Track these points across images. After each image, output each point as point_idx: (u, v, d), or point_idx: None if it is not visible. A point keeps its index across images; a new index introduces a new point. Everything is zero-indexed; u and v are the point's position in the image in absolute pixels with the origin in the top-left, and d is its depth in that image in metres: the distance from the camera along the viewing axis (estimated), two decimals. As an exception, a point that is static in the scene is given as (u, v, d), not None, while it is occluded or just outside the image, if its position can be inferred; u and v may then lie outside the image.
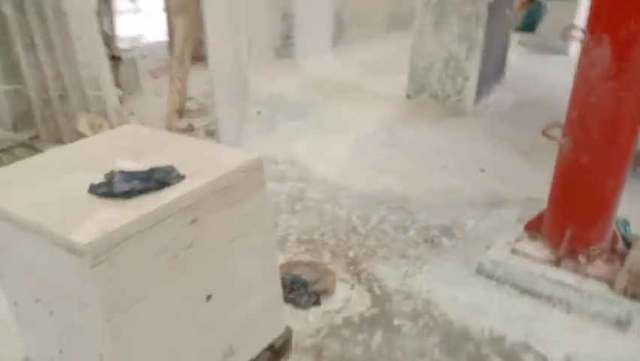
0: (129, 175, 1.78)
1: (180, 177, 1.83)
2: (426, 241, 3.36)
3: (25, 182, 1.89)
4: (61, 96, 4.68)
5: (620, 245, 2.80)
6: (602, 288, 2.65)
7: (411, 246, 3.31)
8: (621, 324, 2.55)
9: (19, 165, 2.05)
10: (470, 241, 3.35)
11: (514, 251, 2.94)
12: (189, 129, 5.05)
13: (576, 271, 2.74)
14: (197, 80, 5.71)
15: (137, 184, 1.74)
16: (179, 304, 1.83)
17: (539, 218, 3.05)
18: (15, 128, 4.93)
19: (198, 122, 5.21)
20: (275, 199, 3.80)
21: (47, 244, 1.60)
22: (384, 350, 2.45)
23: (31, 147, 4.71)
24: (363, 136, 4.92)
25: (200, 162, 1.97)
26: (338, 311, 2.70)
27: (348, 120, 5.24)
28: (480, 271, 2.95)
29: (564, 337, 2.54)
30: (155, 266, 1.71)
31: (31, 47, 4.54)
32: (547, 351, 2.45)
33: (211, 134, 4.96)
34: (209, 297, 1.93)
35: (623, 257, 2.75)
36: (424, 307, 2.74)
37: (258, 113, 5.37)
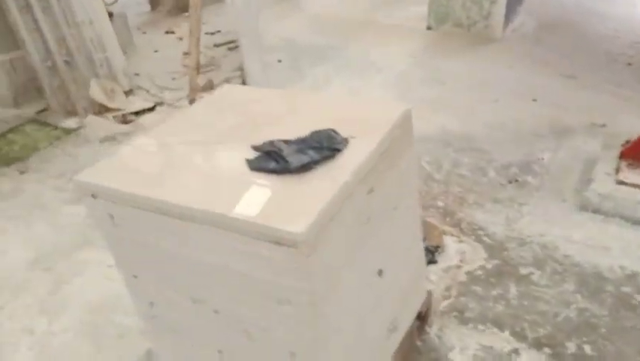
0: (300, 145, 1.49)
1: (346, 142, 1.55)
2: (510, 181, 3.18)
3: (162, 168, 1.58)
4: (67, 62, 4.18)
5: None
6: None
7: (497, 188, 3.13)
8: None
9: (130, 151, 1.72)
10: (556, 176, 3.19)
11: (619, 182, 2.80)
12: (209, 86, 4.63)
13: (694, 197, 2.63)
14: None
15: (313, 155, 1.46)
16: (358, 285, 1.60)
17: (636, 145, 2.90)
18: (16, 103, 4.42)
19: (216, 77, 4.79)
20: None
21: (235, 237, 1.33)
22: (525, 303, 2.31)
23: (42, 122, 4.24)
24: (398, 74, 4.63)
25: (348, 121, 1.67)
26: (458, 267, 2.53)
27: (375, 59, 4.92)
28: (585, 207, 2.81)
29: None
30: (346, 247, 1.47)
31: (26, 9, 3.99)
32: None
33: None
34: (380, 272, 1.70)
35: None
36: (543, 251, 2.59)
37: (279, 61, 4.99)
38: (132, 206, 1.49)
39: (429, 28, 5.41)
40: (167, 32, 6.23)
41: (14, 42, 4.21)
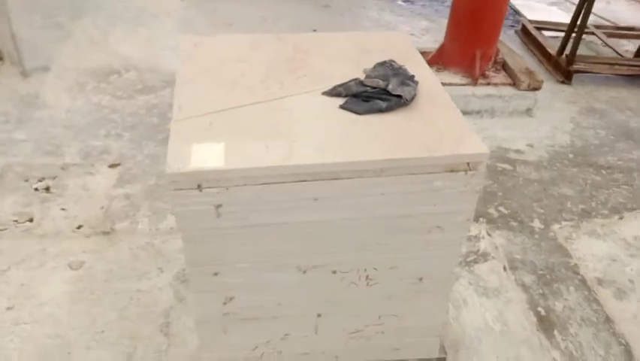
0: (390, 78, 1.47)
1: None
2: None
3: (259, 133, 1.33)
4: None
5: (500, 55, 3.63)
6: (511, 90, 3.47)
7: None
8: (530, 112, 3.47)
9: (204, 125, 1.37)
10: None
11: (438, 84, 3.46)
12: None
13: (488, 84, 3.48)
14: None
15: (412, 83, 1.47)
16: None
17: (439, 52, 3.59)
18: None
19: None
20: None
21: (395, 180, 1.29)
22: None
23: None
24: (180, 19, 4.38)
25: (375, 51, 1.70)
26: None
27: (142, 4, 4.47)
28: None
29: (502, 134, 3.29)
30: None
31: None
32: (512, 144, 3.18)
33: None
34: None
35: (502, 64, 3.62)
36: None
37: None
38: (254, 184, 1.25)
39: (175, -31, 5.12)
40: None
41: None
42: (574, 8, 3.98)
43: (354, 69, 1.60)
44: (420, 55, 1.74)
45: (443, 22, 4.83)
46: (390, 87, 1.43)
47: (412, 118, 1.41)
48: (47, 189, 2.57)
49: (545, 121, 3.43)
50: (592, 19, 4.22)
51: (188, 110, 1.42)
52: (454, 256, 1.51)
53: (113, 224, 2.38)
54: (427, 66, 1.68)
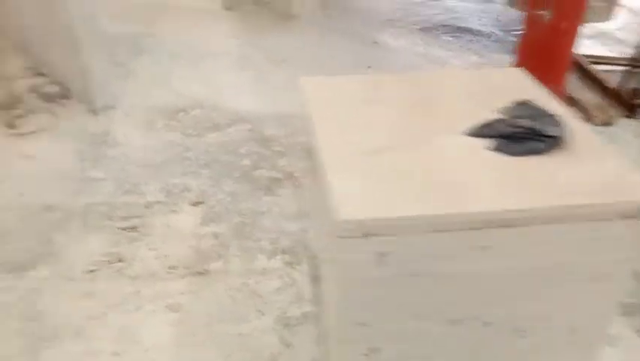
0: (536, 119, 1.43)
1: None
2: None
3: (414, 179, 1.29)
4: None
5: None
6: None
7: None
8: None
9: (360, 170, 1.33)
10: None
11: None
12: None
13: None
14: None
15: (560, 124, 1.44)
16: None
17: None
18: None
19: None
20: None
21: (567, 227, 1.24)
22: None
23: None
24: (237, 57, 4.41)
25: (489, 91, 1.67)
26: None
27: (198, 44, 4.53)
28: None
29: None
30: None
31: None
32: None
33: (60, 97, 3.59)
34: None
35: (572, 100, 3.60)
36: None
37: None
38: (421, 232, 1.20)
39: (227, 8, 5.23)
40: None
41: None
42: (611, 42, 3.96)
43: (486, 108, 1.57)
44: (547, 92, 1.71)
45: (494, 58, 4.86)
46: (541, 128, 1.39)
47: (570, 160, 1.37)
48: (133, 228, 2.54)
49: (625, 155, 3.37)
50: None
51: (336, 153, 1.39)
52: (613, 306, 1.44)
53: (206, 264, 2.33)
54: (559, 103, 1.64)
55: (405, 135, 1.46)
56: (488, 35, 5.43)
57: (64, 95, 3.61)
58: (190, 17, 5.02)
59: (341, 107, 1.61)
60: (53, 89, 3.61)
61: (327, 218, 1.21)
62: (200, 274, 2.28)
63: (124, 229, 2.53)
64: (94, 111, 3.47)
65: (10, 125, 3.26)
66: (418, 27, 5.45)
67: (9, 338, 1.97)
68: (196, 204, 2.72)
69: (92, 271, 2.28)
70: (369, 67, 4.48)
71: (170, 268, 2.31)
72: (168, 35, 4.57)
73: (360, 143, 1.43)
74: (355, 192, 1.23)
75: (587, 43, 5.41)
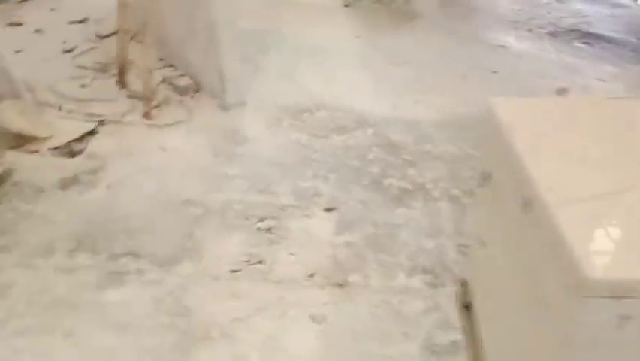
0: None
1: None
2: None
3: None
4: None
5: None
6: None
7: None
8: None
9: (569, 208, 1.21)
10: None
11: None
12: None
13: None
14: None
15: None
16: None
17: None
18: None
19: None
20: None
21: None
22: None
23: None
24: (358, 56, 4.34)
25: None
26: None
27: (320, 41, 4.51)
28: None
29: None
30: None
31: None
32: None
33: (192, 91, 3.69)
34: None
35: None
36: None
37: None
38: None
39: (346, 5, 5.17)
40: (11, 24, 4.68)
41: None
42: None
43: None
44: None
45: (632, 69, 4.45)
46: None
47: None
48: (269, 229, 2.55)
49: None
50: None
51: (561, 194, 1.25)
52: None
53: (344, 275, 2.29)
54: None
55: (634, 175, 1.30)
56: (624, 43, 5.02)
57: (196, 88, 3.72)
58: (310, 13, 5.02)
59: (546, 135, 1.48)
60: (185, 82, 3.72)
61: (563, 272, 1.10)
62: (339, 285, 2.25)
63: (261, 229, 2.55)
64: (225, 107, 3.54)
65: (148, 116, 3.39)
66: (545, 31, 5.13)
67: (161, 332, 2.03)
68: (328, 210, 2.69)
69: (234, 271, 2.30)
70: (494, 72, 4.27)
71: (309, 275, 2.29)
72: (291, 32, 4.59)
73: (585, 182, 1.29)
74: (600, 247, 1.10)
75: None
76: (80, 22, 4.84)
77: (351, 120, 3.53)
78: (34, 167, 2.88)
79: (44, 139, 3.07)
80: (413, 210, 2.71)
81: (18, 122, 2.99)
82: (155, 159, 3.04)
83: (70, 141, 3.11)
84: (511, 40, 4.88)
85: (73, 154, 3.04)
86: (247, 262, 2.35)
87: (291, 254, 2.40)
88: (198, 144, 3.19)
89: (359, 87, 3.94)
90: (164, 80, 3.78)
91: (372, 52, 4.47)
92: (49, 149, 3.04)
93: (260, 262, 2.36)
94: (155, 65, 3.83)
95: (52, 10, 4.96)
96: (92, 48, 4.27)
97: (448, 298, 2.16)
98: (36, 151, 3.00)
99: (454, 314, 2.09)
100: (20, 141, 3.03)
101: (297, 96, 3.76)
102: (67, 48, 4.29)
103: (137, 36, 3.54)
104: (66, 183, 2.78)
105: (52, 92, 3.58)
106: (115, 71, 3.90)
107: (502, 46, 4.78)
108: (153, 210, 2.63)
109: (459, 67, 4.29)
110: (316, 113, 3.60)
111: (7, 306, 2.09)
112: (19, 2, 5.03)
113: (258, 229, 2.55)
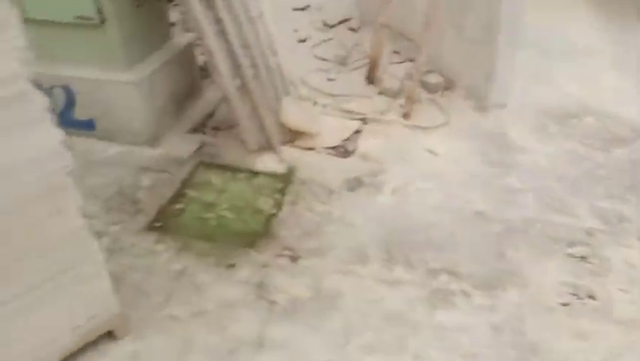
0: None
1: None
2: None
3: None
4: (255, 75, 2.88)
5: None
6: None
7: None
8: None
9: None
10: None
11: None
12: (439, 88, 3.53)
13: None
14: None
15: None
16: None
17: None
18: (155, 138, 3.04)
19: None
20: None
21: None
22: None
23: (215, 164, 2.92)
24: (613, 57, 3.93)
25: None
26: None
27: (569, 36, 4.16)
28: None
29: None
30: None
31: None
32: None
33: (442, 88, 3.54)
34: None
35: None
36: None
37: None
38: None
39: (582, -7, 4.71)
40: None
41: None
42: None
43: None
44: None
45: None
46: None
47: None
48: (584, 258, 2.34)
49: None
50: None
51: None
52: None
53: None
54: None
55: None
56: None
57: (446, 86, 3.56)
58: (547, 5, 4.62)
59: None
60: (435, 79, 3.57)
61: None
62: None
63: (574, 256, 2.35)
64: (483, 108, 3.35)
65: (407, 116, 3.30)
66: None
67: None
68: (646, 239, 2.42)
69: (565, 304, 2.13)
70: None
71: (656, 320, 2.06)
72: (532, 26, 4.24)
73: None
74: None
75: None
76: (302, 9, 4.89)
77: (628, 130, 3.19)
78: (315, 165, 2.90)
79: (313, 135, 3.09)
80: None
81: (296, 119, 3.03)
82: (428, 165, 2.93)
83: (344, 140, 3.10)
84: None
85: (347, 154, 3.03)
86: (575, 295, 2.17)
87: (623, 291, 2.18)
88: (465, 149, 3.04)
89: (622, 92, 3.55)
90: (409, 76, 3.66)
91: (624, 50, 4.02)
92: (328, 148, 3.05)
93: (590, 297, 2.16)
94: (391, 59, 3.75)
95: (274, -5, 5.04)
96: (327, 39, 4.26)
97: None
98: (312, 148, 3.03)
99: None
100: (293, 136, 3.07)
101: (556, 99, 3.48)
102: (301, 38, 4.34)
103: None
104: (352, 185, 2.77)
105: (305, 85, 3.61)
106: (357, 64, 3.87)
107: None
108: (449, 222, 2.53)
109: None
110: (584, 119, 3.30)
111: (342, 318, 2.09)
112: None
113: (570, 255, 2.35)
